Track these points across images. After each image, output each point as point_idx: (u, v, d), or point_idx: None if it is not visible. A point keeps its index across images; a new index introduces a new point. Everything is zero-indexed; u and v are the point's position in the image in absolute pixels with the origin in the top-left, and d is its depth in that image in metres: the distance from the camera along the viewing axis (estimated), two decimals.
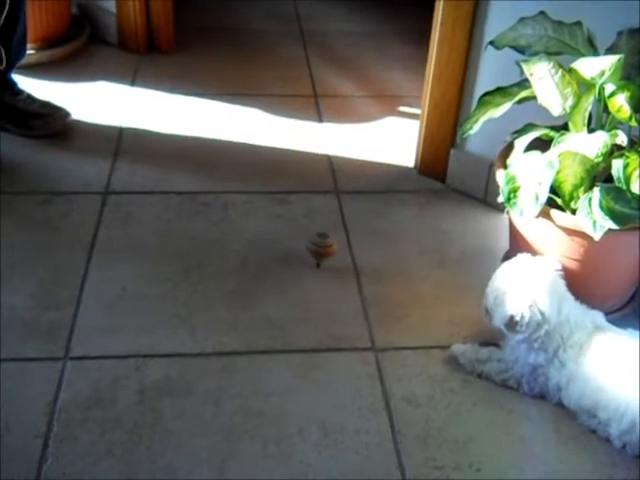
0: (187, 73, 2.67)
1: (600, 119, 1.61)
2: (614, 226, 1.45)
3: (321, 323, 1.71)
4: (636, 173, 1.47)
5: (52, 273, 1.79)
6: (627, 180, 1.47)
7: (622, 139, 1.51)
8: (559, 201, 1.58)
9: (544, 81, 1.55)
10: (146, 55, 2.75)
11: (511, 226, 1.77)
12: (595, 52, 1.60)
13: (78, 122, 2.33)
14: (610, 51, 1.61)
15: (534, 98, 1.58)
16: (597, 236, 1.47)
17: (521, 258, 1.56)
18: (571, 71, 1.55)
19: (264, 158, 2.27)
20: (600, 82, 1.52)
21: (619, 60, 1.51)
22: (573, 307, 1.52)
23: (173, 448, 1.41)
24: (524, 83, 1.61)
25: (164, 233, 1.95)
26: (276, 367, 1.60)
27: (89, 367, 1.56)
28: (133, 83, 2.59)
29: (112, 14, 2.72)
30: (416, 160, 2.25)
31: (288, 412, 1.50)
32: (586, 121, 1.56)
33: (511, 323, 1.48)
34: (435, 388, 1.57)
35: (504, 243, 1.85)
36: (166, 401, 1.50)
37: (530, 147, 1.60)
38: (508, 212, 1.58)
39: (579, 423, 1.49)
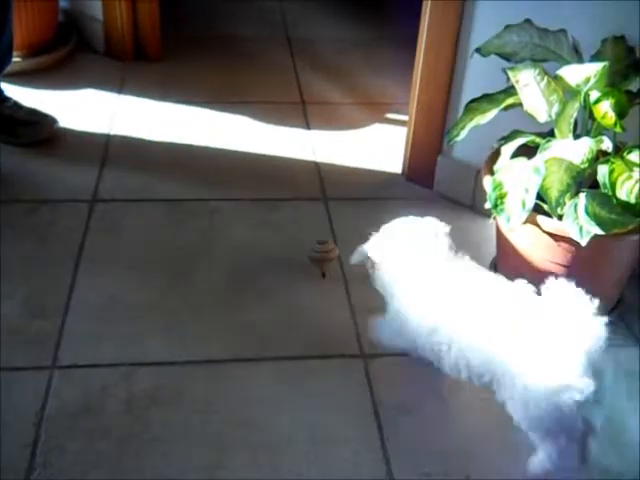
0: (174, 81, 2.67)
1: (585, 125, 1.62)
2: (600, 232, 1.46)
3: (310, 330, 1.71)
4: (621, 179, 1.48)
5: (40, 282, 1.78)
6: (613, 186, 1.48)
7: (607, 145, 1.52)
8: (546, 207, 1.59)
9: (530, 88, 1.57)
10: (133, 63, 2.75)
11: (498, 232, 1.77)
12: (580, 59, 1.62)
13: (65, 130, 2.32)
14: (595, 58, 1.62)
15: (520, 105, 1.59)
16: (583, 242, 1.48)
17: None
18: (557, 78, 1.57)
19: (252, 165, 2.27)
20: (585, 89, 1.53)
21: (604, 67, 1.52)
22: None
23: (162, 457, 1.41)
24: (510, 90, 1.63)
25: (152, 241, 1.94)
26: (265, 375, 1.59)
27: (77, 376, 1.56)
28: (120, 91, 2.58)
29: (99, 21, 2.72)
30: (404, 167, 2.26)
31: (277, 420, 1.49)
32: (572, 127, 1.57)
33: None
34: (424, 395, 1.57)
35: (491, 249, 1.86)
36: (155, 410, 1.49)
37: (516, 154, 1.61)
38: (495, 218, 1.59)
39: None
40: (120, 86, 2.61)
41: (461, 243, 2.00)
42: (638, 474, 1.33)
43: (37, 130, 2.26)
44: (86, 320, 1.69)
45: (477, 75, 1.97)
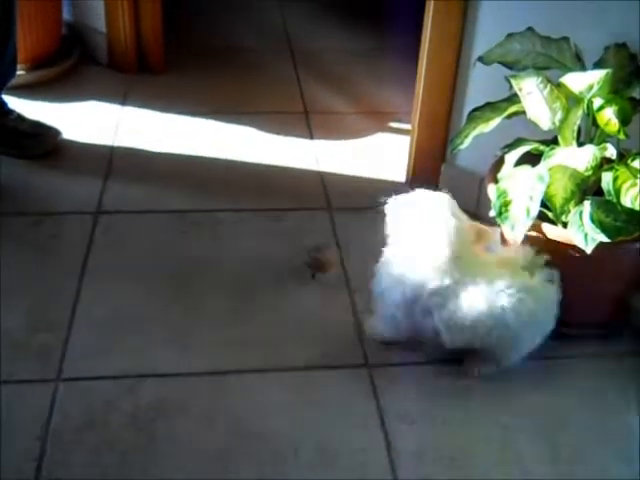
0: (178, 92, 2.68)
1: (589, 133, 1.62)
2: (605, 239, 1.46)
3: (314, 340, 1.70)
4: (626, 186, 1.48)
5: (44, 294, 1.78)
6: (617, 193, 1.47)
7: (611, 152, 1.52)
8: (550, 214, 1.58)
9: (533, 96, 1.56)
10: (136, 75, 2.75)
11: (503, 240, 1.77)
12: (583, 67, 1.61)
13: (69, 142, 2.33)
14: (598, 66, 1.62)
15: (523, 113, 1.59)
16: (589, 249, 1.47)
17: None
18: (560, 86, 1.56)
19: (256, 176, 2.28)
20: (588, 96, 1.53)
21: (607, 74, 1.52)
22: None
23: (167, 470, 1.40)
24: (513, 98, 1.62)
25: (156, 252, 1.94)
26: (270, 386, 1.59)
27: (81, 389, 1.55)
28: (124, 103, 2.59)
29: (102, 34, 2.73)
30: (407, 175, 2.26)
31: (283, 431, 1.49)
32: (575, 135, 1.57)
33: None
34: (429, 404, 1.56)
35: None
36: (160, 422, 1.49)
37: (520, 161, 1.61)
38: (500, 226, 1.58)
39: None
40: (123, 98, 2.61)
41: None
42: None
43: (41, 142, 2.27)
44: (90, 333, 1.69)
45: (480, 83, 1.97)
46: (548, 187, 1.51)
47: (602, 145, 1.53)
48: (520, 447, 1.49)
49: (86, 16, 2.78)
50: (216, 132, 2.47)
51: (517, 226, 1.52)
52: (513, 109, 1.62)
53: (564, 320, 1.72)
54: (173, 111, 2.56)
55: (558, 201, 1.55)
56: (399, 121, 2.55)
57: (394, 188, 2.21)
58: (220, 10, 3.34)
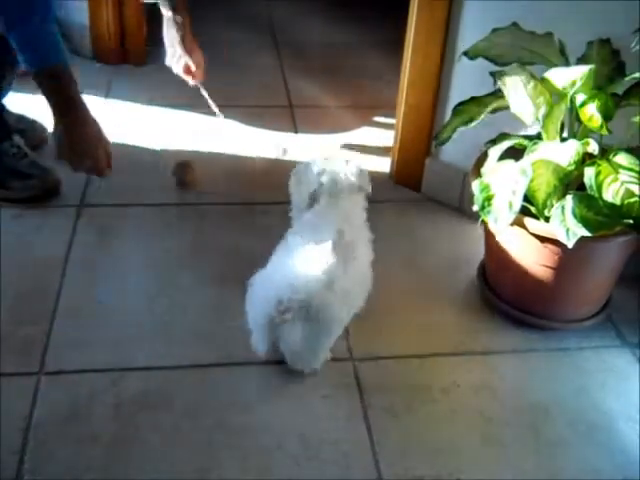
0: (161, 84, 2.65)
1: (572, 128, 1.63)
2: (587, 233, 1.47)
3: None
4: (607, 181, 1.49)
5: (27, 287, 1.77)
6: (599, 188, 1.48)
7: (594, 148, 1.53)
8: (533, 209, 1.59)
9: (517, 91, 1.57)
10: (119, 67, 2.74)
11: (486, 234, 1.78)
12: (566, 62, 1.62)
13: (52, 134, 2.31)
14: (581, 61, 1.63)
15: (508, 108, 1.60)
16: (570, 243, 1.49)
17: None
18: (543, 81, 1.57)
19: (240, 169, 2.27)
20: (572, 92, 1.54)
21: (590, 70, 1.53)
22: None
23: (152, 463, 1.40)
24: (498, 93, 1.63)
25: (140, 246, 1.94)
26: (254, 379, 1.59)
27: (65, 382, 1.55)
28: (107, 95, 2.58)
29: (85, 26, 2.71)
30: (391, 169, 2.26)
31: (267, 424, 1.49)
32: (559, 130, 1.58)
33: None
34: (413, 397, 1.57)
35: (479, 251, 1.86)
36: (144, 415, 1.49)
37: (504, 156, 1.62)
38: (482, 221, 1.59)
39: None
40: (107, 90, 2.60)
41: (449, 245, 2.02)
42: None
43: (26, 138, 2.24)
44: (74, 325, 1.68)
45: (464, 78, 1.98)
46: (531, 181, 1.52)
47: (585, 140, 1.54)
48: (504, 440, 1.50)
49: (69, 9, 2.76)
50: (200, 125, 2.47)
51: (500, 220, 1.52)
52: (497, 104, 1.63)
53: (546, 313, 1.74)
54: (157, 103, 2.55)
55: (541, 195, 1.56)
56: (384, 115, 2.55)
57: (377, 182, 2.24)
58: (205, 2, 3.33)
